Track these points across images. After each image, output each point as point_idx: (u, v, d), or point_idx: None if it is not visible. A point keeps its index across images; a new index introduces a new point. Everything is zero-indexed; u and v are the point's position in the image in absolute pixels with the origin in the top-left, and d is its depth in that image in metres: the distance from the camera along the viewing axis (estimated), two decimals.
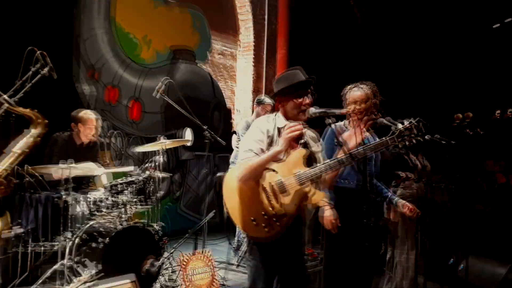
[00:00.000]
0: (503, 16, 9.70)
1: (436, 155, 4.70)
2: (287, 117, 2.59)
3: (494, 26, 9.96)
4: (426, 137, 3.99)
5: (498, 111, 9.44)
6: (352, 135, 2.73)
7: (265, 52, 8.16)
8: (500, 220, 5.79)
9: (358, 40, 9.85)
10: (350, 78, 3.54)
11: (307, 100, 2.57)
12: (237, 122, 7.79)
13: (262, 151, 2.47)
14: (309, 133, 2.73)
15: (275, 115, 2.63)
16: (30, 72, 3.21)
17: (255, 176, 2.44)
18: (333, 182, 2.83)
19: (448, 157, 4.13)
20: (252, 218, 2.43)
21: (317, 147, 2.72)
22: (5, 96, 1.96)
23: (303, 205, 2.55)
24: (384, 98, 3.85)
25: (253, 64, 7.99)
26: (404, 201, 3.32)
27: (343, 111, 2.77)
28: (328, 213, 2.78)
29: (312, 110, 2.54)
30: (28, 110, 2.05)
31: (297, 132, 2.43)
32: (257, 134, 2.52)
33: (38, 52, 3.40)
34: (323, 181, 2.66)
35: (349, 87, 3.35)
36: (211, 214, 4.49)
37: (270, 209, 2.43)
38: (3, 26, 4.48)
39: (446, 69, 10.01)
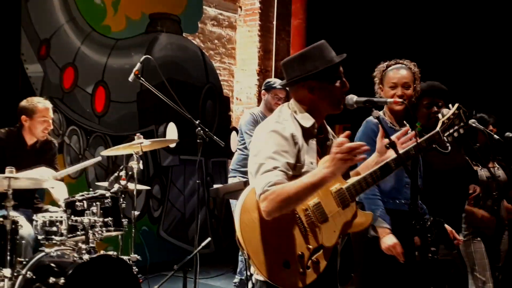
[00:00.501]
0: None
1: None
2: (316, 110, 2.49)
3: None
4: (507, 134, 3.98)
5: None
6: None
7: (275, 19, 8.07)
8: None
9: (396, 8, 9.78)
10: (385, 56, 3.56)
11: (347, 85, 2.49)
12: (237, 114, 7.72)
13: (290, 166, 2.33)
14: (331, 131, 2.67)
15: (291, 109, 2.50)
16: None
17: (290, 209, 2.30)
18: None
19: None
20: (283, 262, 2.30)
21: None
22: None
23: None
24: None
25: (259, 35, 7.91)
26: (450, 228, 3.31)
27: (397, 100, 2.68)
28: (388, 241, 2.98)
29: (354, 98, 2.49)
30: None
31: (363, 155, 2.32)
32: (279, 142, 2.35)
33: None
34: None
35: (386, 64, 3.42)
36: (205, 243, 4.40)
37: (308, 245, 2.34)
38: None
39: None
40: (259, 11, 7.90)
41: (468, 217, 4.13)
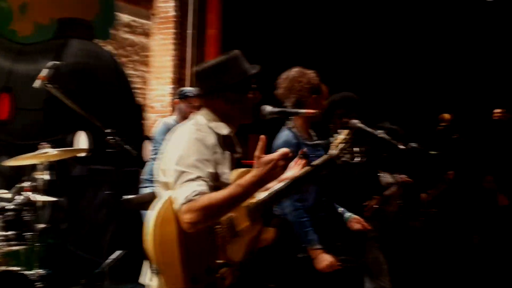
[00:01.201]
0: None
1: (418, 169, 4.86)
2: (230, 121, 2.48)
3: None
4: (411, 144, 4.15)
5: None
6: None
7: (190, 28, 8.07)
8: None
9: (313, 18, 10.00)
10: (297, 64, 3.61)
11: (259, 96, 2.51)
12: (152, 122, 7.61)
13: (212, 176, 2.28)
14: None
15: (206, 119, 2.47)
16: None
17: (215, 220, 2.24)
18: None
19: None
20: (192, 278, 2.22)
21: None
22: None
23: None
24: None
25: (174, 43, 7.89)
26: (356, 217, 3.48)
27: (310, 111, 2.72)
28: (325, 260, 3.10)
29: (268, 109, 2.50)
30: None
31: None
32: (201, 150, 2.29)
33: None
34: None
35: (295, 71, 3.48)
36: (116, 256, 4.30)
37: (216, 261, 2.29)
38: None
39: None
40: (174, 19, 7.89)
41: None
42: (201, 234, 2.23)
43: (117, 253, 4.32)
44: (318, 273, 3.11)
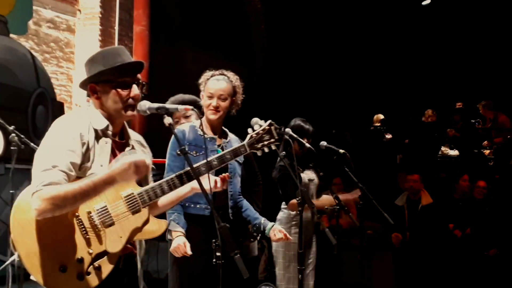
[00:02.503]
0: None
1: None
2: (107, 113, 2.42)
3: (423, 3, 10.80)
4: (322, 143, 4.14)
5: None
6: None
7: (116, 24, 7.79)
8: None
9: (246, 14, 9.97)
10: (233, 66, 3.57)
11: (135, 91, 2.41)
12: None
13: (74, 167, 2.22)
14: (134, 136, 2.59)
15: (88, 111, 2.44)
16: None
17: (63, 211, 2.17)
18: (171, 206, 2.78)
19: (348, 171, 4.27)
20: (60, 266, 2.18)
21: (147, 155, 2.58)
22: None
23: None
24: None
25: (100, 40, 7.56)
26: (277, 226, 3.45)
27: (188, 107, 2.63)
28: (174, 243, 3.09)
29: (146, 105, 2.43)
30: None
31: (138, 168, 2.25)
32: (64, 140, 2.24)
33: None
34: (159, 206, 2.61)
35: (210, 74, 3.46)
36: (16, 256, 4.06)
37: (89, 249, 2.23)
38: None
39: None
40: (100, 15, 7.56)
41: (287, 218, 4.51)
42: (66, 220, 2.21)
43: (13, 257, 4.07)
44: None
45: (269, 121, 2.89)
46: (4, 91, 5.88)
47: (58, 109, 7.19)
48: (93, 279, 2.23)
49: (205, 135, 3.31)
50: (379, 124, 10.67)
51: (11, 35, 6.56)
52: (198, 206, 3.25)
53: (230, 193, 3.34)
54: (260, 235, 4.07)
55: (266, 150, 2.87)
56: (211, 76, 3.43)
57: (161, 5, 8.20)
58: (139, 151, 2.53)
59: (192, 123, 3.46)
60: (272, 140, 2.84)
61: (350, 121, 11.02)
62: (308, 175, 4.64)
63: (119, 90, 2.37)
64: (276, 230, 3.39)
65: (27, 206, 2.17)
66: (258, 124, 2.88)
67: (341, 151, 4.20)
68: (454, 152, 9.84)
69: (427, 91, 11.18)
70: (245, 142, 2.81)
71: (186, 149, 2.98)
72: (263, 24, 10.68)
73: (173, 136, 3.15)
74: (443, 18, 10.67)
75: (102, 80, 2.38)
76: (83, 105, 7.50)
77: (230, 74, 3.49)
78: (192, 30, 8.42)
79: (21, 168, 6.26)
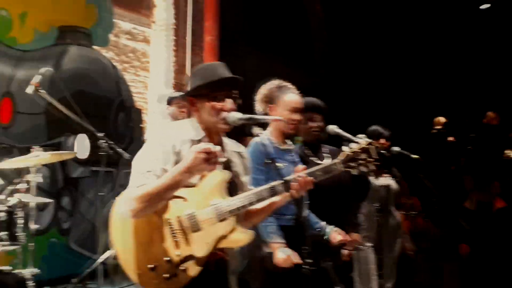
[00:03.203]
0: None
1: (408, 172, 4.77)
2: (205, 125, 2.46)
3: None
4: (394, 149, 4.06)
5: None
6: None
7: (189, 35, 7.97)
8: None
9: (310, 26, 9.97)
10: (289, 75, 3.56)
11: (229, 105, 2.43)
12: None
13: (165, 172, 2.28)
14: (233, 147, 2.60)
15: (190, 122, 2.49)
16: None
17: (152, 208, 2.25)
18: (263, 219, 2.73)
19: (422, 177, 4.19)
20: (150, 266, 2.24)
21: (243, 169, 2.62)
22: None
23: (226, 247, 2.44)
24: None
25: (173, 50, 7.80)
26: (336, 229, 3.35)
27: (277, 118, 2.64)
28: (281, 254, 3.02)
29: (235, 116, 2.42)
30: None
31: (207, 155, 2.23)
32: (157, 149, 2.32)
33: None
34: (249, 217, 2.58)
35: (278, 86, 3.36)
36: (108, 255, 4.22)
37: (176, 253, 2.27)
38: None
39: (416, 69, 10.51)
40: (173, 27, 7.79)
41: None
42: (158, 223, 2.28)
43: (108, 252, 4.23)
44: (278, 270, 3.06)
45: (369, 140, 2.64)
46: (88, 99, 6.12)
47: (136, 116, 7.43)
48: (179, 280, 2.26)
49: (285, 147, 3.32)
50: (441, 127, 10.43)
51: (94, 47, 6.82)
52: (285, 217, 3.18)
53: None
54: None
55: (364, 169, 2.57)
56: (285, 88, 3.36)
57: (228, 16, 8.30)
58: (237, 163, 2.57)
59: (264, 136, 3.28)
60: (371, 159, 2.56)
61: (410, 124, 10.81)
62: (384, 180, 4.53)
63: (213, 103, 2.41)
64: (336, 232, 3.34)
65: (121, 209, 2.29)
66: (355, 142, 2.67)
67: (414, 156, 4.12)
68: None
69: (488, 93, 10.82)
70: (339, 159, 2.57)
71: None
72: (324, 30, 10.67)
73: (254, 148, 3.16)
74: (505, 20, 10.36)
75: (200, 94, 2.43)
76: (158, 112, 7.71)
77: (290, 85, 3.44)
78: (257, 39, 8.49)
79: (106, 171, 6.54)
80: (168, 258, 2.25)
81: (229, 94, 2.45)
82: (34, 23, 6.02)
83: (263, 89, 3.39)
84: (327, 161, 2.80)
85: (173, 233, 2.28)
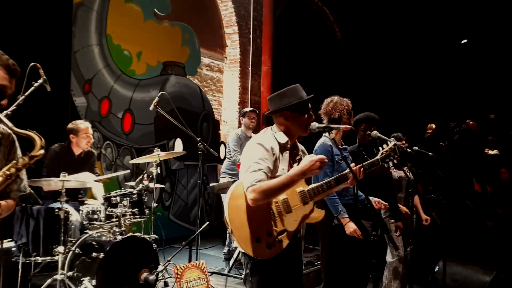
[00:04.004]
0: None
1: (422, 167, 4.64)
2: (289, 132, 2.38)
3: (462, 42, 10.11)
4: (414, 148, 3.98)
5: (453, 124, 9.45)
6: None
7: (250, 66, 7.99)
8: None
9: (337, 57, 9.85)
10: (328, 94, 3.49)
11: (311, 116, 2.40)
12: (224, 132, 7.58)
13: (270, 170, 2.24)
14: (302, 149, 2.56)
15: (272, 131, 2.40)
16: (32, 88, 2.97)
17: (270, 199, 2.21)
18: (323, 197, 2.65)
19: (436, 168, 4.07)
20: (256, 238, 2.21)
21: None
22: (3, 118, 1.70)
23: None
24: (371, 111, 3.83)
25: (239, 77, 7.81)
26: (375, 199, 3.26)
27: (348, 126, 2.62)
28: (351, 226, 2.98)
29: (316, 125, 2.40)
30: (26, 131, 1.78)
31: (320, 163, 2.21)
32: (263, 152, 2.26)
33: (32, 64, 3.16)
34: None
35: (337, 98, 3.33)
36: (204, 226, 4.25)
37: (275, 228, 2.25)
38: (8, 44, 4.20)
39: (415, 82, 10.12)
40: (239, 60, 7.82)
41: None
42: (262, 207, 2.22)
43: (206, 223, 4.26)
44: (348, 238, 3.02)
45: (394, 142, 2.76)
46: (183, 113, 6.22)
47: (215, 125, 7.49)
48: (276, 249, 2.24)
49: (341, 146, 3.28)
50: (431, 131, 10.07)
51: (187, 76, 6.95)
52: (345, 197, 3.16)
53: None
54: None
55: (391, 164, 2.79)
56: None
57: (281, 51, 8.30)
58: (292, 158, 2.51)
59: (329, 138, 3.22)
60: (396, 156, 2.71)
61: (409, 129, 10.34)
62: (399, 173, 4.45)
63: (305, 116, 2.37)
64: (375, 201, 3.24)
65: (238, 194, 2.22)
66: (386, 144, 2.77)
67: (430, 154, 4.01)
68: None
69: (468, 103, 10.22)
70: (378, 157, 2.70)
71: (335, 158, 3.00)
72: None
73: (324, 148, 3.15)
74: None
75: (294, 108, 2.35)
76: (229, 122, 7.79)
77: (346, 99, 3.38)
78: (299, 70, 8.45)
79: (194, 164, 6.65)
80: (268, 232, 2.23)
81: (310, 108, 2.42)
82: (147, 60, 6.18)
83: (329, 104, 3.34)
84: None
85: (272, 214, 2.26)
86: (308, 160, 2.20)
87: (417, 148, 4.06)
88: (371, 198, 3.29)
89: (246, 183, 2.17)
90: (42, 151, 1.79)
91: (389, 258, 3.85)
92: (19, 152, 1.91)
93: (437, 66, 10.07)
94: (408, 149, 3.92)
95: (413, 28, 9.20)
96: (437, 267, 4.39)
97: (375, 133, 3.41)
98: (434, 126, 10.20)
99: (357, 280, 3.12)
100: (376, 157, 2.70)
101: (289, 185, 2.19)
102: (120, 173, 4.59)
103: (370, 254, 2.71)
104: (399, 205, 3.56)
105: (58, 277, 3.39)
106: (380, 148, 2.74)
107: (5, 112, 2.87)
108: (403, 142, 4.33)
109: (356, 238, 2.96)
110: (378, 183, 3.48)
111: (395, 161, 2.72)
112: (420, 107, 10.59)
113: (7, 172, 1.70)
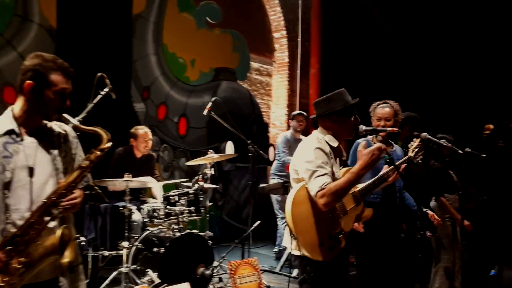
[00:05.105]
0: None
1: (469, 169, 4.51)
2: (337, 136, 2.41)
3: None
4: (466, 149, 3.88)
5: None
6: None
7: (298, 69, 8.05)
8: None
9: (386, 59, 9.66)
10: (378, 95, 3.48)
11: (358, 119, 2.43)
12: (273, 135, 7.70)
13: (332, 173, 2.27)
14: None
15: (321, 134, 2.42)
16: (100, 96, 3.26)
17: (340, 200, 2.24)
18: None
19: (473, 172, 3.95)
20: (319, 242, 2.22)
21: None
22: (67, 116, 1.88)
23: None
24: (417, 113, 3.79)
25: (287, 80, 7.89)
26: (431, 212, 3.20)
27: (395, 129, 2.66)
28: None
29: (363, 127, 2.41)
30: (92, 127, 1.95)
31: (379, 152, 2.21)
32: (323, 157, 2.28)
33: (99, 74, 3.46)
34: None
35: (377, 103, 3.31)
36: (256, 225, 4.38)
37: (334, 230, 2.29)
38: (77, 56, 4.58)
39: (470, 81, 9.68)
40: (288, 63, 7.90)
41: (441, 206, 4.00)
42: (320, 212, 2.22)
43: (257, 222, 4.39)
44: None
45: (419, 139, 2.86)
46: (234, 117, 6.39)
47: (265, 128, 7.65)
48: (336, 249, 2.27)
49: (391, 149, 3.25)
50: (489, 132, 9.59)
51: (238, 81, 7.17)
52: (370, 196, 2.99)
53: (397, 187, 3.13)
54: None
55: (420, 161, 2.84)
56: (377, 105, 3.26)
57: (329, 54, 8.25)
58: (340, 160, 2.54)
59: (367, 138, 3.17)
60: (422, 151, 2.84)
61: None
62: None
63: (351, 119, 2.39)
64: (431, 214, 3.16)
65: (300, 200, 2.22)
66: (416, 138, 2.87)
67: (483, 155, 3.90)
68: None
69: None
70: (410, 155, 2.81)
71: None
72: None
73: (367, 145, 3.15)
74: None
75: (341, 112, 2.37)
76: (277, 125, 7.89)
77: (391, 101, 3.29)
78: (348, 68, 8.32)
79: (245, 166, 6.81)
80: (328, 234, 2.25)
81: (355, 112, 2.44)
82: (200, 66, 6.46)
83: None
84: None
85: (330, 217, 2.28)
86: (366, 152, 2.19)
87: (469, 150, 3.96)
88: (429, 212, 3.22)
89: (314, 188, 2.16)
90: (109, 144, 1.91)
91: (439, 261, 3.78)
92: (80, 149, 2.04)
93: (497, 62, 9.59)
94: (459, 151, 3.86)
95: (470, 22, 8.84)
96: (493, 271, 4.26)
97: (424, 134, 3.36)
98: (492, 126, 9.71)
99: (397, 281, 3.07)
100: (407, 156, 2.77)
101: (355, 182, 2.19)
102: (178, 180, 4.86)
103: (412, 254, 2.69)
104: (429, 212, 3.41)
105: (123, 269, 3.64)
106: (409, 146, 2.78)
107: (76, 118, 3.20)
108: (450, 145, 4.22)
109: (391, 236, 2.93)
110: (415, 182, 3.43)
111: (421, 157, 2.78)
112: (478, 106, 10.11)
113: (83, 165, 1.86)
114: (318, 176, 2.18)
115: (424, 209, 3.24)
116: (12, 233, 1.72)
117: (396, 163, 2.58)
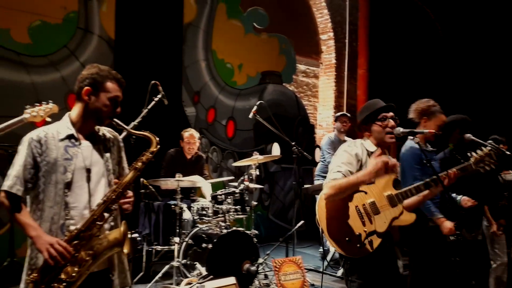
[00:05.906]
0: None
1: None
2: (376, 142, 2.47)
3: None
4: (507, 152, 3.75)
5: None
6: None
7: (346, 70, 8.04)
8: None
9: (438, 59, 9.38)
10: (429, 96, 3.37)
11: (391, 122, 2.44)
12: (319, 136, 7.74)
13: (351, 173, 2.35)
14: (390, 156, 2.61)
15: (362, 140, 2.51)
16: (153, 102, 3.55)
17: (341, 196, 2.32)
18: (419, 204, 2.63)
19: None
20: (346, 238, 2.31)
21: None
22: (119, 122, 2.04)
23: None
24: (469, 114, 3.71)
25: (334, 81, 7.90)
26: (466, 197, 3.16)
27: (432, 131, 2.66)
28: (448, 224, 2.92)
29: (400, 129, 2.44)
30: (142, 132, 2.12)
31: (383, 167, 2.27)
32: (345, 156, 2.40)
33: (152, 82, 3.75)
34: (408, 206, 2.51)
35: (432, 103, 3.24)
36: (300, 224, 4.48)
37: (364, 229, 2.33)
38: (132, 65, 4.94)
39: None
40: (335, 65, 7.91)
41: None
42: (350, 209, 2.31)
43: (301, 222, 4.49)
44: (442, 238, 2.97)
45: (490, 147, 2.66)
46: (280, 119, 6.52)
47: (311, 130, 7.72)
48: (366, 249, 2.28)
49: (429, 149, 3.20)
50: None
51: (284, 84, 7.29)
52: (434, 200, 3.02)
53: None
54: None
55: (487, 168, 2.60)
56: (433, 106, 3.20)
57: (377, 54, 8.16)
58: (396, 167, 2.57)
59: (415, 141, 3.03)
60: (492, 161, 2.59)
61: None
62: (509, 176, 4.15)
63: (379, 124, 2.44)
64: (466, 199, 3.17)
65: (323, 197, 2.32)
66: (484, 147, 2.67)
67: None
68: None
69: None
70: (471, 162, 2.63)
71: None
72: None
73: (412, 151, 3.10)
74: None
75: (368, 120, 2.45)
76: (324, 126, 7.92)
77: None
78: (397, 68, 8.15)
79: (290, 167, 6.90)
80: (358, 233, 2.29)
81: (388, 116, 2.45)
82: (247, 71, 6.65)
83: (421, 104, 3.25)
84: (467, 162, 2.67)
85: (360, 216, 2.32)
86: (372, 161, 2.28)
87: None
88: (460, 196, 3.21)
89: (325, 181, 2.34)
90: (158, 147, 2.08)
91: (492, 264, 3.70)
92: (124, 152, 2.20)
93: None
94: (508, 152, 3.75)
95: None
96: None
97: (468, 136, 3.31)
98: None
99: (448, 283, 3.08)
100: (469, 162, 2.64)
101: (356, 184, 2.27)
102: (225, 178, 5.05)
103: (459, 255, 2.68)
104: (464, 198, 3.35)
105: (175, 264, 3.86)
106: (474, 153, 2.66)
107: (132, 123, 3.49)
108: (501, 145, 4.11)
109: (451, 240, 2.93)
110: (468, 183, 3.37)
111: (492, 166, 2.59)
112: None
113: (137, 166, 2.03)
114: (333, 172, 2.33)
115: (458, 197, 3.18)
116: (78, 229, 1.87)
117: (455, 168, 2.59)
